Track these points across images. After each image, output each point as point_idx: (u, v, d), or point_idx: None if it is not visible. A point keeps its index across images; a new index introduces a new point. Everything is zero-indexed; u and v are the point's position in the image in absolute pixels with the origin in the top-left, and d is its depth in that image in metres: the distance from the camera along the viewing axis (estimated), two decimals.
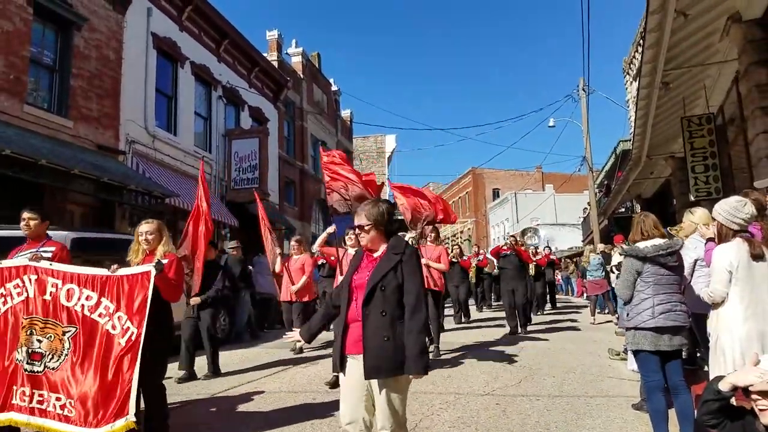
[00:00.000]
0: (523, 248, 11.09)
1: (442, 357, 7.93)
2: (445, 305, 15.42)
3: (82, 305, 3.87)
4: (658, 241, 3.89)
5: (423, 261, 7.21)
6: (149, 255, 4.30)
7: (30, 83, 10.96)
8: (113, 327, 3.79)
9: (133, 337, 3.73)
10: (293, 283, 8.60)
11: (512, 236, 11.44)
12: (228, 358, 8.13)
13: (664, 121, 11.28)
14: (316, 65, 27.20)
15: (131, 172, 12.67)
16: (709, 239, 4.27)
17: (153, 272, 3.87)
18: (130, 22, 13.43)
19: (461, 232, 55.10)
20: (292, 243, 8.67)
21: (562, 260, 29.66)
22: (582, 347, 8.80)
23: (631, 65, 20.00)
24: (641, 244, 3.94)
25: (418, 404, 5.26)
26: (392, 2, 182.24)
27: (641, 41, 10.34)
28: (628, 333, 3.98)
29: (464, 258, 13.53)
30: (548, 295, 16.70)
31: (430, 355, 7.27)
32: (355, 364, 2.94)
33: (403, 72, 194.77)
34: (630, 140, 15.73)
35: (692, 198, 10.12)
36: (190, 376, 6.72)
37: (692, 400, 3.83)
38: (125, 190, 11.92)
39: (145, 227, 4.38)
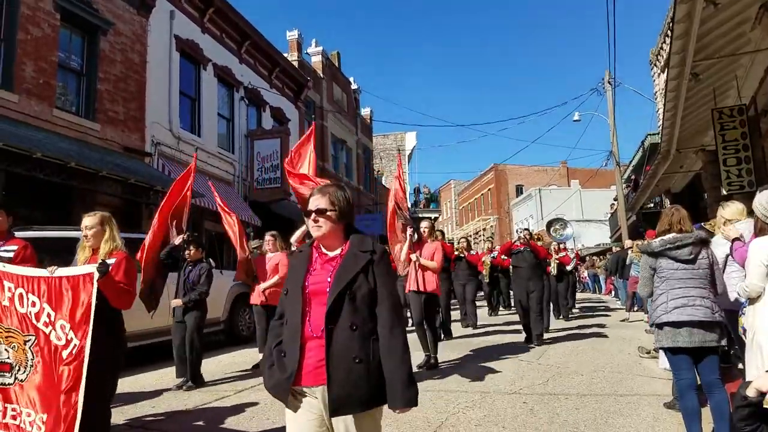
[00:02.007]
0: (539, 243, 9.61)
1: (468, 353, 7.86)
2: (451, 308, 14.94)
3: (30, 312, 3.42)
4: (669, 235, 3.80)
5: (413, 257, 6.88)
6: (94, 254, 3.74)
7: (58, 88, 11.18)
8: (57, 338, 3.33)
9: (75, 351, 3.27)
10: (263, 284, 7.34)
11: (525, 230, 9.87)
12: (233, 359, 8.12)
13: (693, 114, 11.02)
14: (336, 64, 27.25)
15: (157, 173, 12.83)
16: (735, 239, 4.15)
17: (96, 275, 3.35)
18: (154, 25, 13.60)
19: (483, 229, 54.72)
20: (267, 238, 7.60)
21: (588, 258, 29.29)
22: (611, 345, 8.65)
23: (659, 56, 19.60)
24: (653, 240, 3.91)
25: (443, 402, 5.23)
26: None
27: (669, 32, 10.11)
28: (654, 330, 3.91)
29: (472, 252, 11.89)
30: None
31: (425, 366, 6.92)
32: (310, 403, 2.24)
33: (423, 68, 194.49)
34: (658, 133, 15.42)
35: (724, 192, 9.89)
36: (190, 382, 6.28)
37: (728, 398, 3.71)
38: (151, 191, 12.09)
39: (86, 220, 3.80)
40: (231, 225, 7.23)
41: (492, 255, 13.44)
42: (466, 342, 8.99)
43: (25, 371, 3.35)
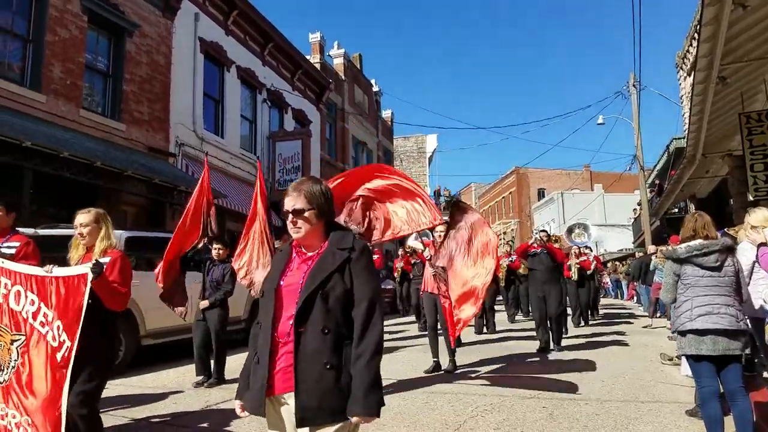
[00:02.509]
0: (556, 245, 9.16)
1: (486, 358, 7.81)
2: None
3: (27, 311, 3.33)
4: (695, 242, 3.75)
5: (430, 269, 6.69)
6: (88, 252, 3.58)
7: (85, 88, 11.40)
8: (53, 338, 3.24)
9: (66, 354, 3.18)
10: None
11: (543, 231, 9.52)
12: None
13: (720, 118, 10.83)
14: (358, 66, 27.35)
15: (180, 174, 12.99)
16: (761, 244, 4.08)
17: (90, 275, 3.24)
18: (179, 27, 13.80)
19: (504, 233, 54.39)
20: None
21: (610, 263, 28.95)
22: (632, 352, 8.55)
23: (685, 60, 19.33)
24: (678, 246, 3.84)
25: (461, 405, 5.22)
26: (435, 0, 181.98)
27: (696, 35, 9.97)
28: (677, 337, 3.85)
29: None
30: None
31: (444, 370, 6.78)
32: (284, 410, 2.10)
33: (445, 70, 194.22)
34: (684, 138, 15.21)
35: (751, 198, 9.71)
36: (206, 379, 6.36)
37: (751, 406, 3.65)
38: (175, 191, 12.25)
39: (80, 217, 3.62)
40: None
41: (510, 259, 13.24)
42: (484, 347, 8.94)
43: (7, 372, 3.27)
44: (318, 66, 21.93)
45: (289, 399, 2.04)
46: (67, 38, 10.72)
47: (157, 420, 4.95)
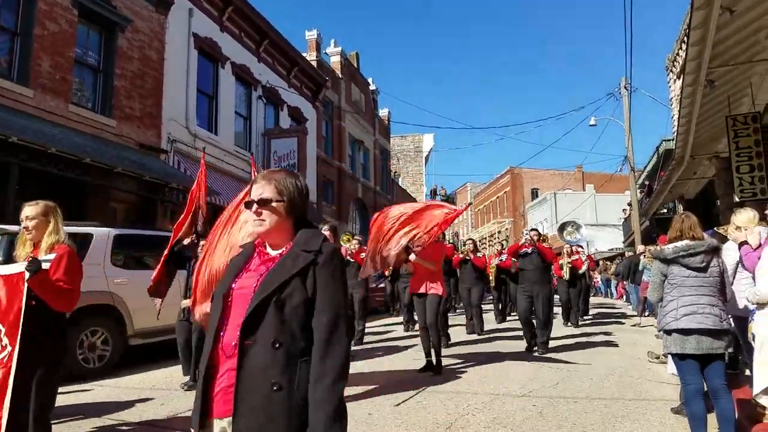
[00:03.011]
0: (545, 245, 9.03)
1: (476, 358, 7.86)
2: (454, 311, 14.23)
3: None
4: (682, 242, 3.81)
5: (411, 258, 6.84)
6: (35, 249, 3.32)
7: (75, 83, 11.33)
8: None
9: (6, 358, 2.96)
10: None
11: (533, 230, 9.32)
12: None
13: (708, 120, 10.95)
14: (355, 65, 27.35)
15: (172, 171, 12.96)
16: (743, 243, 4.15)
17: (26, 274, 2.97)
18: (172, 22, 13.74)
19: (499, 232, 54.58)
20: (325, 230, 7.25)
21: (601, 262, 29.13)
22: (621, 350, 8.64)
23: (675, 63, 19.49)
24: (665, 246, 3.91)
25: (453, 404, 5.27)
26: (431, 3, 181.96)
27: (685, 38, 10.06)
28: (662, 336, 3.92)
29: (478, 255, 11.32)
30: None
31: (429, 371, 6.77)
32: None
33: (441, 70, 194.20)
34: (673, 139, 15.34)
35: (737, 199, 9.82)
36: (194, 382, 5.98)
37: (733, 404, 3.73)
38: (167, 188, 12.22)
39: (27, 210, 3.35)
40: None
41: (501, 258, 13.03)
42: (474, 347, 8.96)
43: None
44: (314, 63, 21.92)
45: (230, 426, 1.73)
46: (57, 32, 10.64)
47: (144, 422, 4.94)
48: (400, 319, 11.90)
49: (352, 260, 9.26)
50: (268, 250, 1.97)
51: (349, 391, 5.79)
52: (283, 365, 1.71)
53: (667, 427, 4.46)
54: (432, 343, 6.97)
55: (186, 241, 6.46)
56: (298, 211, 1.97)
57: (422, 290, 6.98)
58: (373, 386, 6.08)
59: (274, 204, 1.90)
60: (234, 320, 1.79)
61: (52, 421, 3.26)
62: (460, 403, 5.29)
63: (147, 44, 12.93)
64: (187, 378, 6.24)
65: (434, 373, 6.74)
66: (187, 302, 6.18)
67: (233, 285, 1.88)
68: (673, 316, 3.71)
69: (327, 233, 5.93)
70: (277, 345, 1.72)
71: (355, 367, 7.32)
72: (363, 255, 9.79)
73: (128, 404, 5.46)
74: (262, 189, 1.93)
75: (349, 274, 9.89)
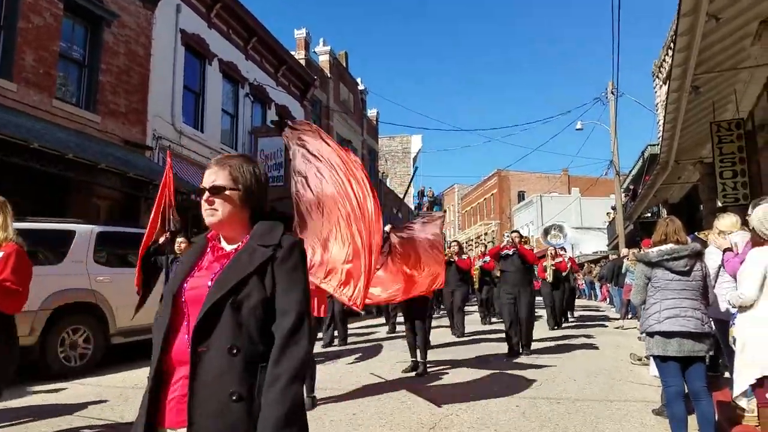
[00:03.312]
0: (527, 247, 8.93)
1: (461, 359, 7.88)
2: (437, 313, 13.91)
3: None
4: (666, 246, 3.85)
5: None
6: None
7: (59, 78, 11.17)
8: None
9: None
10: None
11: (515, 231, 9.20)
12: None
13: (692, 126, 11.08)
14: (344, 64, 27.30)
15: (157, 168, 12.83)
16: (726, 249, 4.20)
17: None
18: (159, 18, 13.62)
19: (485, 234, 54.78)
20: None
21: (585, 264, 29.35)
22: (604, 352, 8.71)
23: (661, 69, 19.70)
24: (649, 250, 3.94)
25: (438, 404, 5.29)
26: (424, 2, 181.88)
27: (672, 44, 10.17)
28: (645, 338, 3.96)
29: (463, 257, 11.23)
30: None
31: (414, 372, 6.79)
32: None
33: (430, 72, 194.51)
34: (658, 144, 15.48)
35: (720, 204, 9.94)
36: None
37: (714, 406, 3.77)
38: (151, 185, 12.09)
39: None
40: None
41: (484, 260, 12.80)
42: (457, 348, 8.98)
43: None
44: (303, 62, 21.83)
45: None
46: (41, 26, 10.48)
47: (126, 423, 4.89)
48: (383, 320, 11.84)
49: None
50: (223, 244, 1.79)
51: (333, 391, 5.79)
52: (242, 373, 1.56)
53: (648, 428, 4.51)
54: (418, 345, 6.97)
55: (161, 240, 6.44)
56: (256, 201, 1.80)
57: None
58: (357, 386, 6.08)
59: (227, 192, 1.73)
60: (186, 324, 1.63)
61: (33, 420, 3.17)
62: (443, 404, 5.30)
63: (133, 39, 12.80)
64: None
65: (419, 374, 6.74)
66: None
67: (185, 285, 1.70)
68: (656, 318, 3.74)
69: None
70: (234, 351, 1.56)
71: (339, 367, 7.31)
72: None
73: (110, 403, 5.40)
74: (214, 175, 1.76)
75: None
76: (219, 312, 1.59)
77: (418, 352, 6.99)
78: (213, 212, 1.74)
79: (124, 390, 5.92)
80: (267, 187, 1.88)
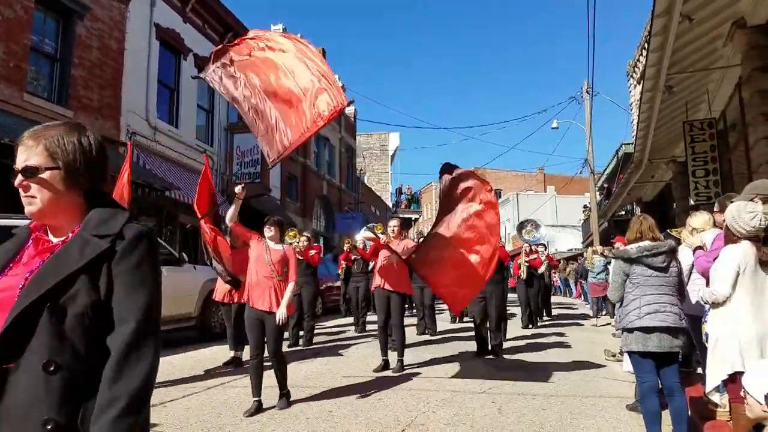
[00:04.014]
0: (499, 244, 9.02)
1: (435, 357, 7.89)
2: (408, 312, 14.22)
3: None
4: (645, 243, 3.89)
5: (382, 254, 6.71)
6: None
7: (30, 72, 10.93)
8: None
9: None
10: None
11: None
12: (205, 356, 7.99)
13: (666, 125, 11.26)
14: None
15: (132, 164, 12.63)
16: (697, 248, 4.27)
17: None
18: (133, 12, 13.39)
19: None
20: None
21: (561, 261, 29.68)
22: (579, 348, 8.81)
23: (635, 68, 19.98)
24: (628, 246, 3.97)
25: (414, 401, 5.29)
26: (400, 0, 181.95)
27: (646, 44, 10.32)
28: (621, 334, 3.99)
29: None
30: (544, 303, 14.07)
31: (392, 369, 6.68)
32: None
33: (407, 70, 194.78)
34: (632, 143, 15.71)
35: (692, 202, 10.12)
36: None
37: (686, 402, 3.83)
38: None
39: None
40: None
41: None
42: (430, 347, 8.85)
43: None
44: None
45: None
46: (12, 18, 10.22)
47: None
48: (352, 320, 11.61)
49: (301, 258, 8.94)
50: (50, 236, 1.44)
51: (309, 390, 5.76)
52: (61, 396, 1.23)
53: (622, 423, 4.56)
54: (395, 342, 6.94)
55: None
56: (85, 181, 1.43)
57: (387, 287, 6.83)
58: (333, 385, 6.06)
59: (44, 174, 1.38)
60: None
61: None
62: (420, 401, 5.31)
63: (107, 33, 12.57)
64: None
65: (395, 371, 6.71)
66: None
67: None
68: (636, 314, 3.77)
69: (273, 229, 5.42)
70: (52, 368, 1.23)
71: (315, 366, 7.28)
72: (313, 252, 9.48)
73: None
74: (26, 153, 1.40)
75: (298, 271, 9.44)
76: (33, 319, 1.25)
77: (390, 350, 6.92)
78: (30, 200, 1.38)
79: None
80: (102, 161, 1.49)
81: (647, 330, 3.73)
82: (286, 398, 5.18)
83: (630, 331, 3.81)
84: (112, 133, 12.65)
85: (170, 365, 7.30)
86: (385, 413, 4.90)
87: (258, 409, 4.94)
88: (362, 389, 5.80)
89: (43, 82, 11.43)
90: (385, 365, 6.85)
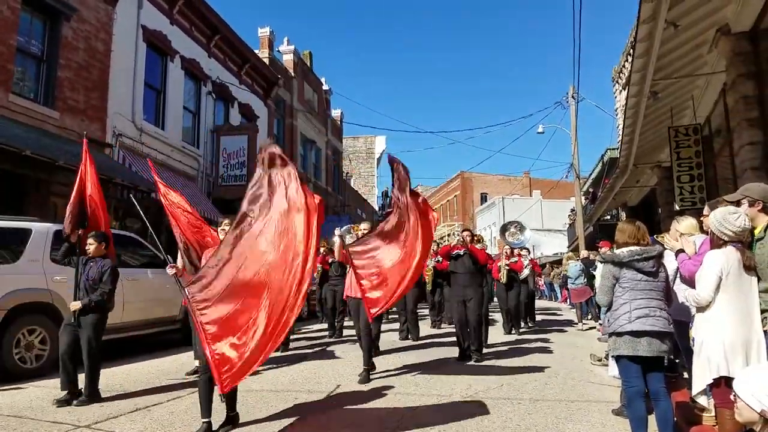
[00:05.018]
0: (478, 246, 8.43)
1: (419, 362, 7.82)
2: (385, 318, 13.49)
3: None
4: (636, 247, 3.92)
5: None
6: None
7: (16, 73, 10.83)
8: None
9: None
10: None
11: (467, 230, 8.66)
12: (145, 369, 7.32)
13: (651, 131, 11.38)
14: (308, 63, 27.15)
15: (117, 166, 12.54)
16: (679, 251, 4.31)
17: None
18: (120, 13, 13.31)
19: (448, 235, 55.17)
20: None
21: (546, 266, 29.83)
22: (564, 352, 8.83)
23: (621, 74, 20.19)
24: (618, 251, 3.99)
25: (401, 405, 5.28)
26: (387, 4, 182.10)
27: (631, 50, 10.42)
28: (609, 339, 4.00)
29: None
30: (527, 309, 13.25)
31: (359, 378, 6.36)
32: None
33: (394, 73, 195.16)
34: (617, 148, 15.86)
35: (677, 207, 10.22)
36: (72, 397, 5.37)
37: (672, 406, 3.86)
38: (111, 183, 11.79)
39: None
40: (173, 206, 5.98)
41: (437, 259, 10.99)
42: (414, 352, 8.69)
43: None
44: (267, 61, 21.63)
45: None
46: None
47: (81, 425, 4.75)
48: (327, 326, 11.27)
49: None
50: None
51: (293, 395, 5.73)
52: None
53: (608, 428, 4.58)
54: (363, 348, 6.68)
55: (74, 238, 5.81)
56: None
57: (359, 295, 6.37)
58: (317, 389, 6.03)
59: None
60: None
61: None
62: (407, 404, 5.31)
63: (93, 35, 12.48)
64: (64, 394, 5.37)
65: (359, 382, 6.33)
66: (76, 304, 5.53)
67: None
68: (627, 318, 3.78)
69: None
70: None
71: (297, 371, 7.23)
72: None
73: (67, 406, 5.23)
74: None
75: None
76: None
77: (365, 356, 6.67)
78: None
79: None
80: None
81: (637, 334, 3.75)
82: (231, 423, 4.60)
83: (619, 335, 3.83)
84: (98, 134, 12.55)
85: (155, 369, 7.24)
86: (370, 417, 4.90)
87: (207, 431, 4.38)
88: (346, 394, 5.78)
89: (29, 83, 11.33)
90: (367, 373, 6.53)
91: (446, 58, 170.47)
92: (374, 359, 6.95)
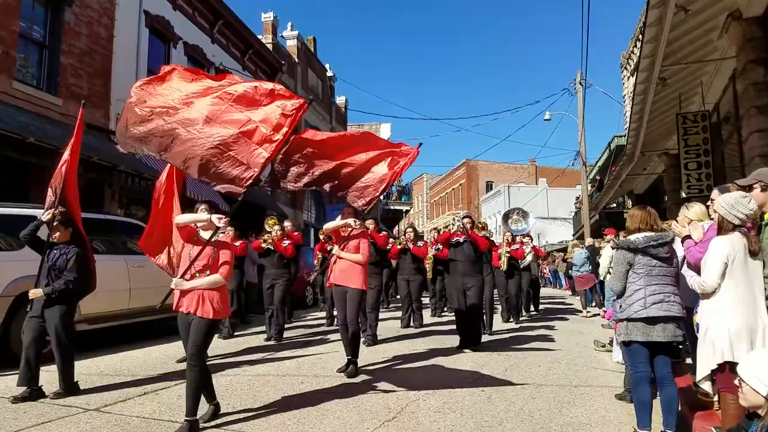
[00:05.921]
0: (482, 234, 8.22)
1: (422, 347, 7.86)
2: (387, 305, 13.59)
3: None
4: (650, 233, 3.88)
5: (334, 250, 6.17)
6: None
7: (19, 59, 10.80)
8: None
9: None
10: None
11: (467, 216, 8.27)
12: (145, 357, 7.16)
13: (659, 117, 11.27)
14: (312, 50, 26.98)
15: (121, 153, 12.49)
16: (685, 237, 4.27)
17: None
18: None
19: (452, 223, 55.25)
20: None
21: (551, 254, 29.78)
22: (568, 338, 8.84)
23: (629, 60, 20.00)
24: (632, 237, 3.94)
25: (403, 389, 5.29)
26: None
27: (640, 36, 10.31)
28: (620, 325, 3.95)
29: (419, 244, 10.57)
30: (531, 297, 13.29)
31: (346, 372, 5.94)
32: None
33: (399, 60, 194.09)
34: (625, 135, 15.74)
35: (684, 195, 10.14)
36: (31, 394, 4.93)
37: (677, 392, 3.84)
38: (115, 170, 11.81)
39: None
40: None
41: (437, 247, 10.48)
42: (415, 341, 8.55)
43: None
44: (270, 47, 21.52)
45: None
46: (0, 4, 10.10)
47: (90, 409, 4.77)
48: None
49: (272, 248, 8.71)
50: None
51: (299, 379, 5.75)
52: None
53: (611, 413, 4.58)
54: (348, 342, 6.16)
55: (45, 217, 5.45)
56: None
57: (343, 283, 6.18)
58: (322, 374, 6.05)
59: None
60: None
61: None
62: (410, 389, 5.32)
63: (96, 20, 12.42)
64: (24, 390, 4.94)
65: (347, 375, 5.93)
66: (36, 292, 5.16)
67: None
68: (642, 304, 3.75)
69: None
70: None
71: (304, 357, 7.26)
72: (287, 243, 8.81)
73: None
74: None
75: (269, 262, 8.91)
76: None
77: (365, 345, 6.58)
78: None
79: (89, 377, 5.76)
80: None
81: (652, 320, 3.73)
82: (214, 408, 4.39)
83: (633, 321, 3.80)
84: (102, 121, 12.55)
85: (163, 354, 7.27)
86: (375, 401, 4.91)
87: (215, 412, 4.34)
88: (351, 378, 5.80)
89: (32, 69, 11.31)
90: (348, 365, 6.12)
91: (451, 44, 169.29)
92: (376, 346, 6.94)
